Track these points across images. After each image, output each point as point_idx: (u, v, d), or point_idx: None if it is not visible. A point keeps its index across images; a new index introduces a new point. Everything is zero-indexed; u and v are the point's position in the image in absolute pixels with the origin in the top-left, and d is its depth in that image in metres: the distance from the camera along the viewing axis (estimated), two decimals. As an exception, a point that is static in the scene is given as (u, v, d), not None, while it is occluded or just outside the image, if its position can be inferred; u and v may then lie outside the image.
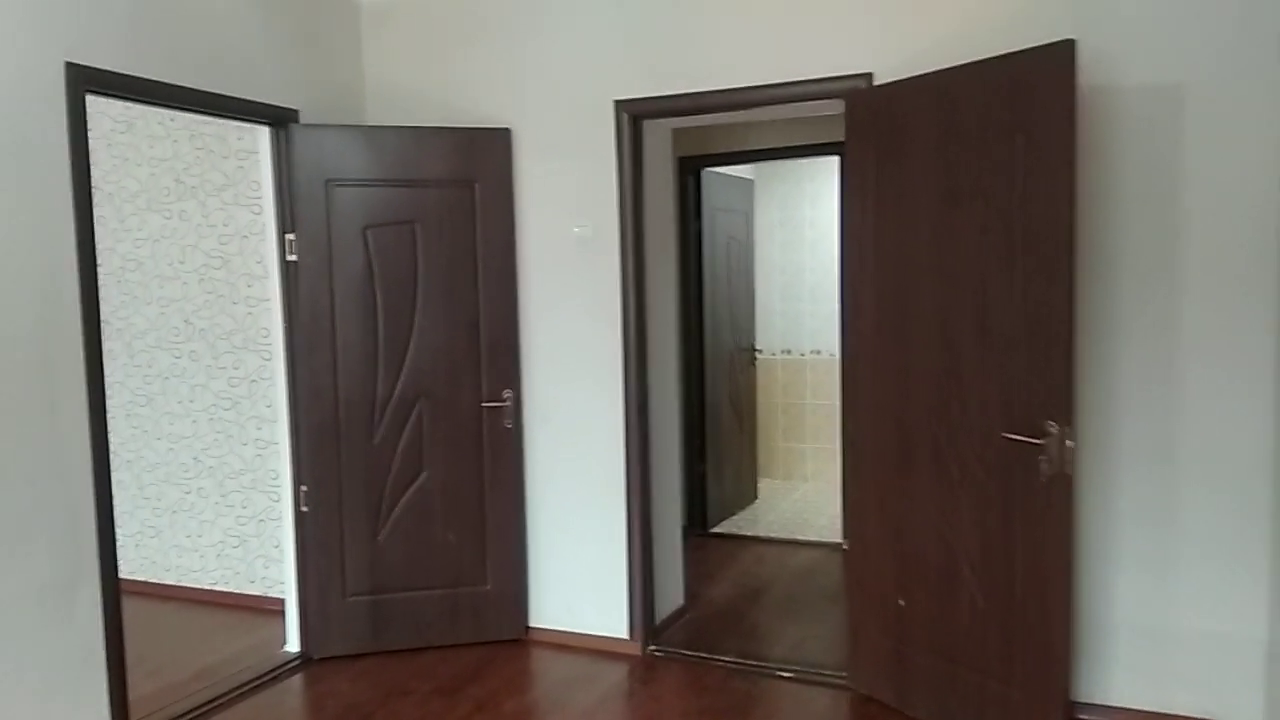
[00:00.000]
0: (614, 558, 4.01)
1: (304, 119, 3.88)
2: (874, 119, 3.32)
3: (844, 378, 3.55)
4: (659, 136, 4.19)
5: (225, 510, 4.79)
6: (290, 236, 3.84)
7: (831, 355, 7.04)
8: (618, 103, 3.84)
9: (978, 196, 3.00)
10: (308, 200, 3.82)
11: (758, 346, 6.69)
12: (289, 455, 3.95)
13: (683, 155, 5.64)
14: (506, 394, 4.02)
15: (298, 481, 3.94)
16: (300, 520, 3.95)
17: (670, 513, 4.36)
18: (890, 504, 3.36)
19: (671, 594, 4.36)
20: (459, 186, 3.95)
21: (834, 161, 5.60)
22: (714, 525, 5.88)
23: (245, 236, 4.56)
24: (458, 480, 4.03)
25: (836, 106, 3.55)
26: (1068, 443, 2.80)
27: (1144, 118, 3.05)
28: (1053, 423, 2.81)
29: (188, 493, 4.86)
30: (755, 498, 6.56)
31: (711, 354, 5.89)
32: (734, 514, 6.18)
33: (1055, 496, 2.84)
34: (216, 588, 4.85)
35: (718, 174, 5.90)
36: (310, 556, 3.95)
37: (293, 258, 3.84)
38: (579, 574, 4.09)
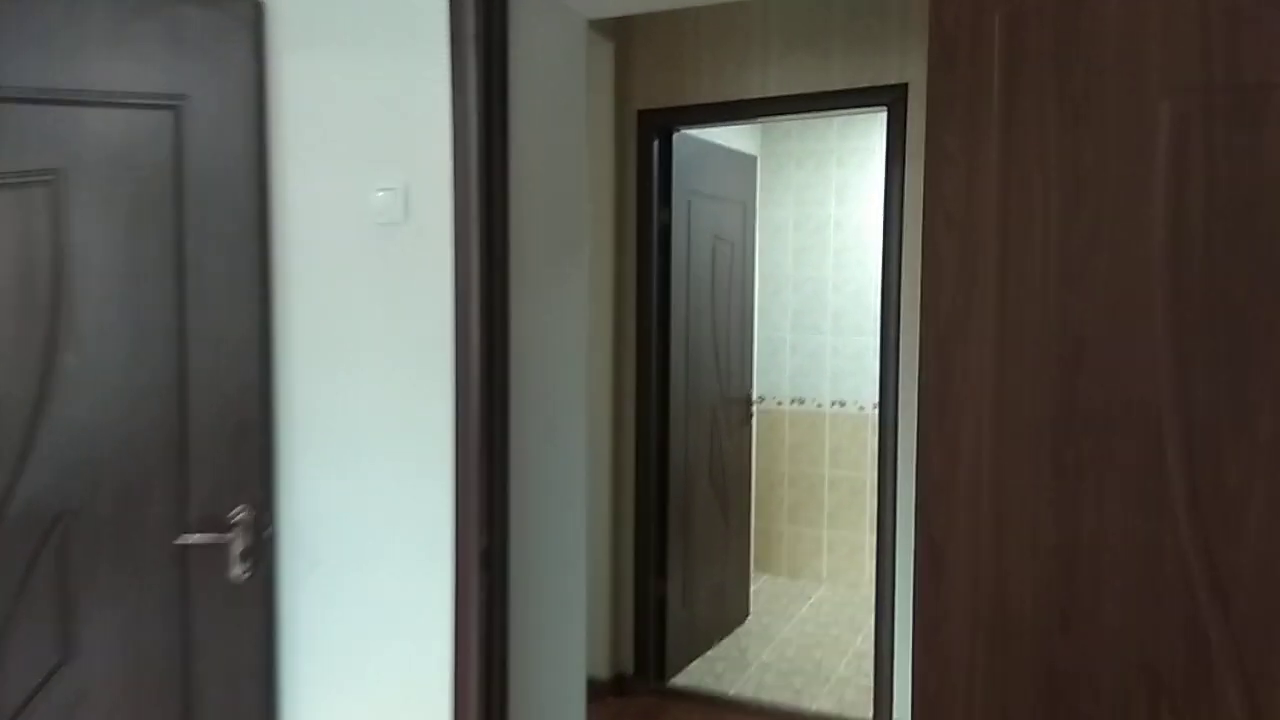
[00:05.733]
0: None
1: None
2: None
3: (919, 543, 1.58)
4: (561, 29, 2.25)
5: None
6: None
7: (861, 409, 5.05)
8: (457, -60, 1.91)
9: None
10: None
11: (756, 394, 4.72)
12: None
13: (643, 108, 3.70)
14: (239, 514, 2.07)
15: None
16: None
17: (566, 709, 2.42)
18: None
19: None
20: (152, 106, 2.01)
21: (879, 123, 3.64)
22: (677, 672, 3.89)
23: None
24: (139, 678, 2.07)
25: None
26: None
27: None
28: None
29: None
30: (746, 615, 4.57)
31: (683, 408, 3.92)
32: (711, 647, 4.20)
33: None
34: None
35: (699, 139, 3.94)
36: None
37: None
38: None
